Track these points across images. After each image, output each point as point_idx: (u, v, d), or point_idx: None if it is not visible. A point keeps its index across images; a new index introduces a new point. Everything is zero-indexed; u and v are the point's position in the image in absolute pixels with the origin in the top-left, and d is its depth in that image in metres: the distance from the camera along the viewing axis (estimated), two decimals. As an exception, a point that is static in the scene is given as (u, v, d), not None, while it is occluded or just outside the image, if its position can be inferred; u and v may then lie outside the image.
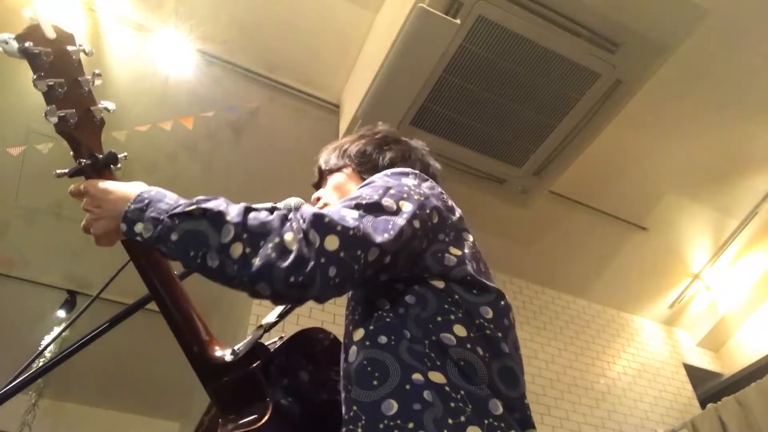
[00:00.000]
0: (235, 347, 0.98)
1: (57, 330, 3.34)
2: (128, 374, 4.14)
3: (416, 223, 0.85)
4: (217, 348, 1.00)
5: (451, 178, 3.07)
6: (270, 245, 0.74)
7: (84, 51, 1.00)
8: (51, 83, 0.94)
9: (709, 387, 4.39)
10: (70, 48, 0.99)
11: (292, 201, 1.10)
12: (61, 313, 3.78)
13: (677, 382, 4.10)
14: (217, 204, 0.80)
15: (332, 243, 0.75)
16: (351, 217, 0.79)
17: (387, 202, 0.85)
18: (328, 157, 1.20)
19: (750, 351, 4.20)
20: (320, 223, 0.76)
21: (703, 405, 3.74)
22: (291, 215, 0.79)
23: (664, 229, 3.89)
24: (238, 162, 3.29)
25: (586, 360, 3.85)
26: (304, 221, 0.76)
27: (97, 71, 1.01)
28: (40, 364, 0.90)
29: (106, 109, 1.00)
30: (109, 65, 2.81)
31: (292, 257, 0.73)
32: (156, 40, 2.79)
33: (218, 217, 0.77)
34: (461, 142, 2.89)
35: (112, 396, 4.33)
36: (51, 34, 0.96)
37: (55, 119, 0.93)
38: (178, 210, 0.80)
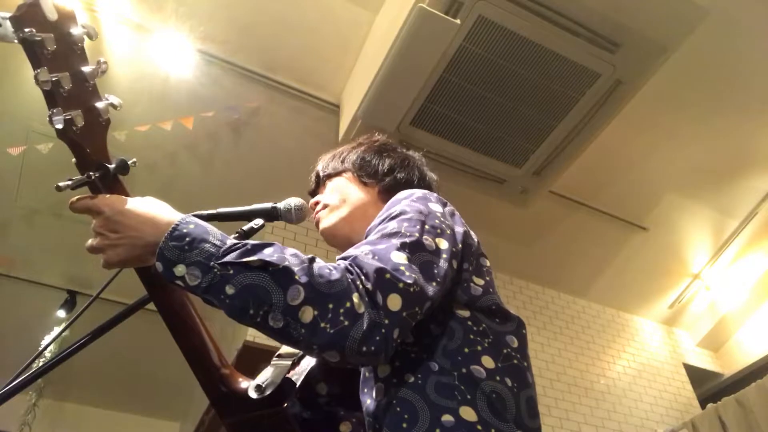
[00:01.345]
0: (260, 382, 0.91)
1: (57, 330, 3.34)
2: (128, 374, 4.14)
3: (454, 263, 0.86)
4: (241, 380, 0.93)
5: (451, 178, 3.06)
6: (341, 310, 0.70)
7: (88, 34, 0.83)
8: (55, 78, 0.77)
9: (709, 387, 4.39)
10: (73, 31, 0.81)
11: (292, 201, 1.10)
12: (61, 313, 3.78)
13: (677, 382, 4.10)
14: (280, 256, 0.72)
15: (395, 303, 0.73)
16: (403, 265, 0.77)
17: (427, 240, 0.83)
18: (327, 164, 1.21)
19: (750, 351, 4.20)
20: (382, 281, 0.74)
21: (703, 405, 3.74)
22: (350, 266, 0.76)
23: (664, 229, 3.89)
24: (237, 162, 3.29)
25: (586, 360, 3.85)
26: (367, 279, 0.74)
27: (102, 59, 0.84)
28: (40, 364, 0.89)
29: (111, 105, 0.85)
30: (109, 65, 2.81)
31: (365, 325, 0.70)
32: (156, 40, 2.79)
33: (285, 274, 0.70)
34: (461, 142, 2.89)
35: (112, 396, 4.32)
36: (53, 15, 0.78)
37: (61, 124, 0.77)
38: (231, 258, 0.71)
